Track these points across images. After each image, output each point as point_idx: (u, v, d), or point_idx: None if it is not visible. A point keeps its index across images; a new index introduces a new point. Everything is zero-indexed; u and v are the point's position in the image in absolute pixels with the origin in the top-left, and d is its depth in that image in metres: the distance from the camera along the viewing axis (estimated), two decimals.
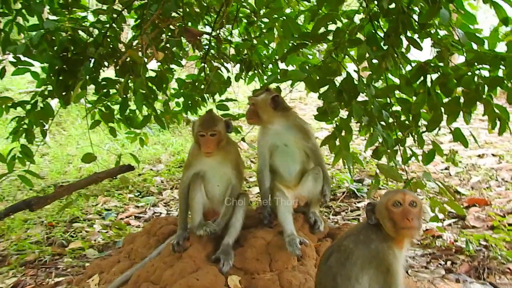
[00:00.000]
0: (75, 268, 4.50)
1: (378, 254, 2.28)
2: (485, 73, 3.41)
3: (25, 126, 4.62)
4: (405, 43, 3.74)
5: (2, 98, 4.65)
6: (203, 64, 5.21)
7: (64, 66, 4.50)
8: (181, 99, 5.38)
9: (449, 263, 4.08)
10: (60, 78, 4.56)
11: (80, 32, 4.73)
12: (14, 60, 4.37)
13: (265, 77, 5.48)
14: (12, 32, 4.40)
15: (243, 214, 3.20)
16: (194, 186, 3.15)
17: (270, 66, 5.44)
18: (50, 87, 4.59)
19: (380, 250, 2.29)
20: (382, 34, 3.68)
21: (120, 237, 5.26)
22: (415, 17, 3.56)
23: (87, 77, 4.35)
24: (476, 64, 3.35)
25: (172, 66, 5.26)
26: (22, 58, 4.34)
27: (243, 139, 4.54)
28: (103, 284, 3.22)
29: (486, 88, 3.38)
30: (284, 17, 4.26)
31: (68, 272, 4.40)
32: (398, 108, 4.02)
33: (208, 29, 5.49)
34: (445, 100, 3.64)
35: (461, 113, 3.57)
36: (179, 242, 3.03)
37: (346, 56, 3.91)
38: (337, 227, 3.65)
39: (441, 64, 3.60)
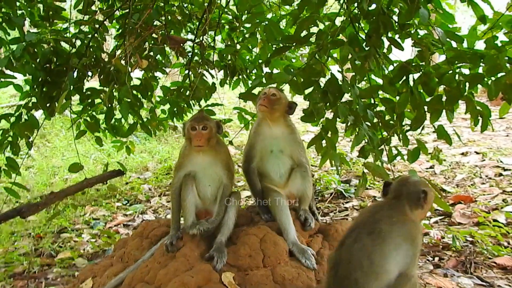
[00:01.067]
0: (65, 278, 4.47)
1: (412, 232, 2.52)
2: (466, 71, 3.48)
3: (10, 139, 4.58)
4: (386, 44, 3.81)
5: None
6: (187, 71, 5.23)
7: (48, 78, 4.48)
8: (167, 106, 5.38)
9: (436, 259, 4.14)
10: (44, 89, 4.54)
11: (63, 43, 4.72)
12: None
13: (249, 81, 5.51)
14: None
15: (235, 213, 3.22)
16: (186, 186, 3.17)
17: (254, 70, 5.47)
18: (34, 99, 4.56)
19: (413, 228, 2.55)
20: (363, 36, 3.74)
21: (110, 246, 5.24)
22: (395, 18, 3.62)
23: (72, 87, 4.35)
24: (456, 62, 3.42)
25: (157, 74, 5.28)
26: (5, 71, 4.32)
27: (230, 143, 4.55)
28: (97, 287, 3.21)
29: (467, 85, 3.44)
30: (266, 22, 4.30)
31: (58, 282, 4.37)
32: (382, 108, 4.08)
33: (191, 36, 5.50)
34: (428, 99, 3.71)
35: (444, 111, 3.65)
36: (172, 242, 3.04)
37: (330, 58, 3.97)
38: (328, 223, 3.67)
39: (423, 63, 3.66)
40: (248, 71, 5.48)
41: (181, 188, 3.23)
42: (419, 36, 3.65)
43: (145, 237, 3.40)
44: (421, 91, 3.71)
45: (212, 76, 5.39)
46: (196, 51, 5.23)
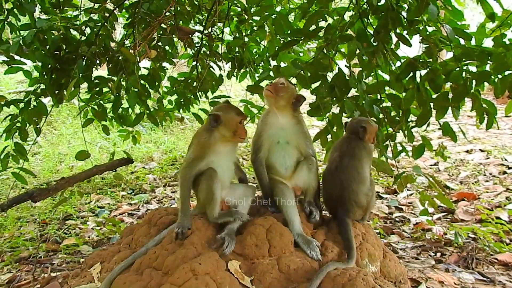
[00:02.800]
0: (70, 264, 4.52)
1: (370, 151, 3.44)
2: (473, 69, 3.49)
3: (18, 124, 4.63)
4: (394, 40, 3.82)
5: None
6: (195, 62, 5.25)
7: (57, 65, 4.52)
8: (174, 97, 5.41)
9: (438, 254, 4.17)
10: (53, 76, 4.59)
11: (72, 31, 4.76)
12: (7, 59, 4.39)
13: (256, 74, 5.54)
14: (4, 31, 4.41)
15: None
16: (212, 178, 3.13)
17: (262, 63, 5.49)
18: (43, 86, 4.60)
19: (369, 148, 3.42)
20: (371, 31, 3.75)
21: (114, 233, 5.29)
22: (404, 14, 3.63)
23: (80, 75, 4.38)
24: (464, 59, 3.43)
25: (164, 64, 5.30)
26: (15, 57, 4.36)
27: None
28: (105, 272, 3.25)
29: (474, 83, 3.46)
30: (275, 15, 4.31)
31: (63, 268, 4.42)
32: (388, 104, 4.10)
33: (199, 27, 5.52)
34: (434, 95, 3.72)
35: (450, 108, 3.66)
36: (183, 231, 3.06)
37: (337, 53, 3.99)
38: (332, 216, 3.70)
39: (430, 60, 3.68)
40: (255, 64, 5.49)
41: (196, 177, 3.22)
42: (427, 33, 3.65)
43: (153, 224, 3.45)
44: (428, 87, 3.73)
45: (220, 68, 5.41)
46: (204, 42, 5.26)
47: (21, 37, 4.24)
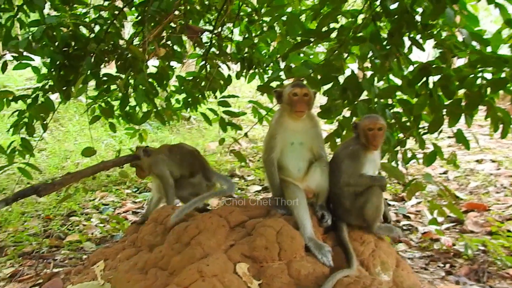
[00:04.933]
0: (73, 260, 4.50)
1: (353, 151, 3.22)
2: (488, 76, 3.40)
3: (25, 120, 4.62)
4: (407, 44, 3.75)
5: (3, 92, 4.67)
6: (203, 62, 5.20)
7: (65, 61, 4.51)
8: (181, 96, 5.37)
9: (448, 265, 4.07)
10: (61, 73, 4.57)
11: (82, 28, 4.74)
12: (16, 55, 4.38)
13: (265, 76, 5.48)
14: (13, 27, 4.40)
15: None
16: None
17: (271, 64, 5.43)
18: (51, 82, 4.58)
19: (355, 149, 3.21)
20: (384, 35, 3.68)
21: (118, 231, 5.26)
22: (418, 17, 3.55)
23: (89, 72, 4.35)
24: (479, 66, 3.35)
25: (172, 63, 5.26)
26: (24, 53, 4.35)
27: (245, 135, 4.50)
28: (108, 270, 3.20)
29: (489, 90, 3.37)
30: (286, 16, 4.26)
31: (65, 264, 4.40)
32: (399, 109, 4.02)
33: (209, 27, 5.48)
34: (447, 102, 3.64)
35: (463, 116, 3.58)
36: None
37: (349, 56, 3.92)
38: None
39: (444, 65, 3.59)
40: (264, 65, 5.44)
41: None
42: (442, 37, 3.57)
43: (159, 223, 3.37)
44: (440, 94, 3.65)
45: (229, 68, 5.36)
46: (213, 42, 5.21)
47: (30, 34, 4.23)
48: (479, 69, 3.39)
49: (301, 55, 4.92)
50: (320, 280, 2.78)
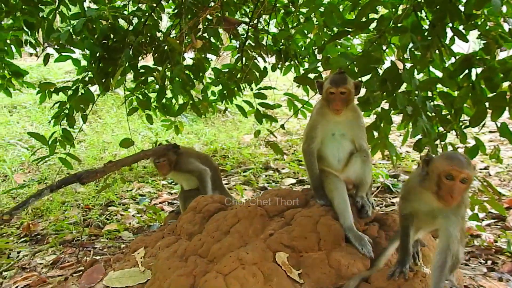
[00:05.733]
0: (111, 249, 4.61)
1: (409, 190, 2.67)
2: None
3: (66, 111, 4.74)
4: (449, 35, 3.63)
5: (46, 83, 4.80)
6: (239, 54, 5.21)
7: (105, 54, 4.60)
8: (217, 89, 5.40)
9: (489, 262, 3.95)
10: (100, 65, 4.66)
11: (120, 20, 4.82)
12: (58, 47, 4.50)
13: (301, 68, 5.44)
14: (54, 20, 4.53)
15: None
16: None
17: (307, 56, 5.38)
18: (90, 74, 4.69)
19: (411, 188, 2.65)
20: (426, 26, 3.58)
21: (155, 221, 5.35)
22: (461, 7, 3.44)
23: (127, 64, 4.43)
24: None
25: (208, 55, 5.29)
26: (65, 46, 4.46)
27: (282, 127, 4.47)
28: (148, 257, 3.28)
29: None
30: (323, 7, 4.20)
31: (104, 252, 4.51)
32: (439, 102, 3.91)
33: (245, 19, 5.47)
34: (490, 95, 3.51)
35: (507, 109, 3.44)
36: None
37: (387, 48, 3.83)
38: (385, 212, 3.55)
39: (488, 57, 3.47)
40: (300, 57, 5.39)
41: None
42: (487, 28, 3.44)
43: (198, 211, 3.43)
44: (483, 86, 3.52)
45: (264, 60, 5.34)
46: (250, 34, 5.20)
47: (71, 26, 4.33)
48: None
49: (338, 46, 4.87)
50: (361, 271, 2.75)
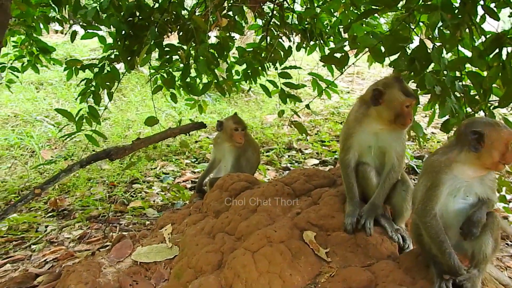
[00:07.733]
0: (136, 225, 4.72)
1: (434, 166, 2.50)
2: None
3: (92, 89, 4.80)
4: (479, 13, 3.53)
5: (72, 60, 4.85)
6: (264, 33, 5.17)
7: (130, 31, 4.61)
8: (241, 68, 5.39)
9: None
10: (126, 43, 4.68)
11: None
12: (84, 24, 4.53)
13: (326, 48, 5.38)
14: None
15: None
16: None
17: (333, 36, 5.31)
18: (116, 52, 4.72)
19: (436, 163, 2.49)
20: (456, 4, 3.49)
21: (178, 199, 5.44)
22: None
23: (152, 42, 4.44)
24: None
25: (233, 34, 5.26)
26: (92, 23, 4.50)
27: (307, 106, 4.44)
28: (176, 234, 3.35)
29: None
30: None
31: (130, 228, 4.61)
32: (468, 82, 3.83)
33: None
34: None
35: None
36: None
37: (415, 27, 3.76)
38: None
39: None
40: (326, 36, 5.33)
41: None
42: None
43: (225, 190, 3.47)
44: None
45: (289, 39, 5.29)
46: (275, 12, 5.15)
47: (97, 3, 4.36)
48: None
49: (364, 25, 4.79)
50: (389, 251, 2.74)
